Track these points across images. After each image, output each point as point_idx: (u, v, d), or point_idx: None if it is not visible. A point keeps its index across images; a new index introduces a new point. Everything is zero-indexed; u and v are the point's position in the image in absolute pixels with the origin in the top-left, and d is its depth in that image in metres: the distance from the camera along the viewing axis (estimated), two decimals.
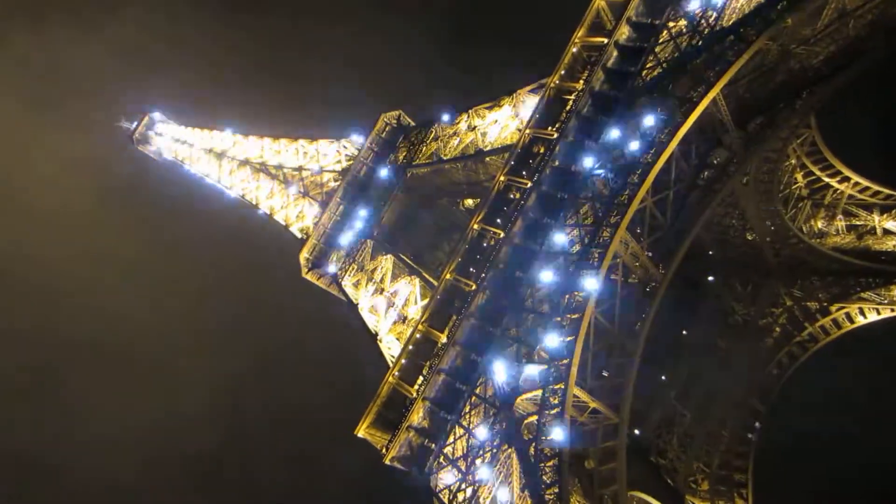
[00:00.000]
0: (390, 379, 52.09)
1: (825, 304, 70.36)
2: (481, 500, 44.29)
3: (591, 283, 44.25)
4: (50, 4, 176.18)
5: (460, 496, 45.35)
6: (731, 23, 46.15)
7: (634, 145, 46.16)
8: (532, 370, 45.90)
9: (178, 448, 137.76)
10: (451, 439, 47.96)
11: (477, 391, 47.84)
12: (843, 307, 69.76)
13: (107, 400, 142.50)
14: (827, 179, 69.02)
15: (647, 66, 48.38)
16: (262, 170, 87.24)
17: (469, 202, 78.04)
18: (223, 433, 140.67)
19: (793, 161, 67.96)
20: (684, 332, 74.41)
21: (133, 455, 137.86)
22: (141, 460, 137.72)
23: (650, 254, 50.42)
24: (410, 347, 52.41)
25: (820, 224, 71.13)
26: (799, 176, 69.10)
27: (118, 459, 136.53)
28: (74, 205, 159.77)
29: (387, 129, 77.82)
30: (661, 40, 48.47)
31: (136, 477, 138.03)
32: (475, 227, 52.53)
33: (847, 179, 68.95)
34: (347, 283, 71.60)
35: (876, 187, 67.85)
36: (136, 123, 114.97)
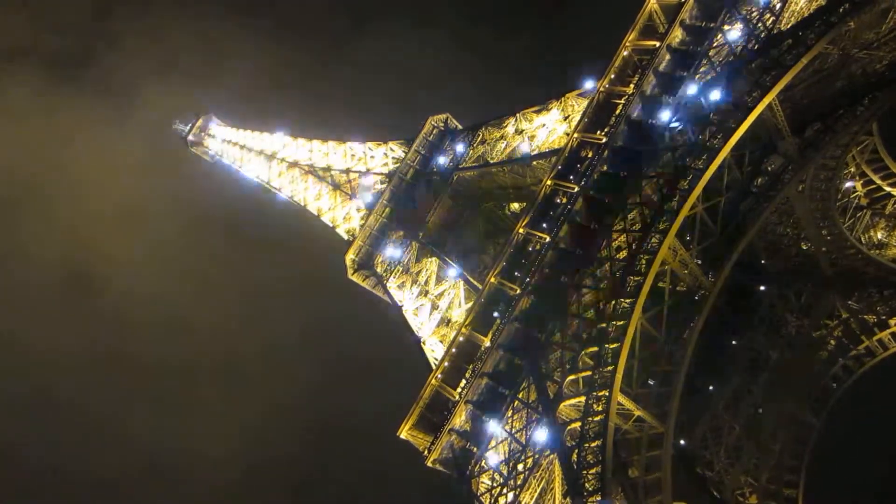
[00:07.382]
0: (433, 381, 52.23)
1: (884, 317, 67.69)
2: None
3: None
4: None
5: (501, 500, 45.18)
6: (789, 26, 44.97)
7: (685, 151, 45.31)
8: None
9: (272, 453, 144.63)
10: (493, 443, 47.84)
11: (520, 396, 47.63)
12: None
13: (215, 411, 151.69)
14: (888, 189, 66.74)
15: (701, 69, 47.50)
16: (311, 172, 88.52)
17: (515, 206, 77.67)
18: (307, 437, 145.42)
19: (852, 169, 65.91)
20: (734, 342, 72.70)
21: (236, 462, 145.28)
22: (241, 467, 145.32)
23: (699, 261, 49.41)
24: (453, 350, 52.47)
25: (880, 234, 68.81)
26: (858, 184, 66.97)
27: (225, 466, 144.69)
28: (166, 232, 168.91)
29: (434, 131, 78.14)
30: (715, 44, 47.53)
31: (241, 482, 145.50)
32: (521, 231, 52.34)
33: None
34: (392, 285, 72.09)
35: None
36: (190, 125, 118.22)
